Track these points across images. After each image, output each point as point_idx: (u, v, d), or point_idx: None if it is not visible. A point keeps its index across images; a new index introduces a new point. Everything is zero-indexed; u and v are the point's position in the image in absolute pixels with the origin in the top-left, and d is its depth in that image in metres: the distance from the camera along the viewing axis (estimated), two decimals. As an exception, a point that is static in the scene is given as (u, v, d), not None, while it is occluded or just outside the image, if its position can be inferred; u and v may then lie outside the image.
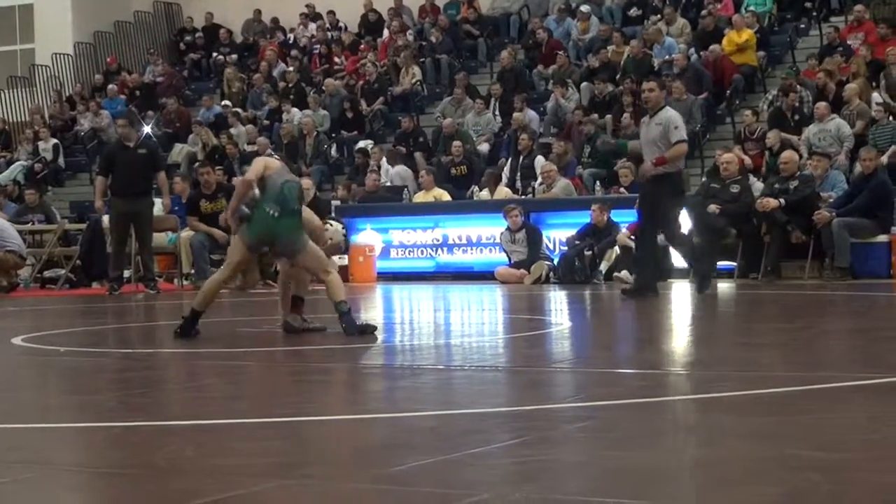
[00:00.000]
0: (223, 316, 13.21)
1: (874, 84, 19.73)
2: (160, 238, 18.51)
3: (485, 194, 19.90)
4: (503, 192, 19.73)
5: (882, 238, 16.07)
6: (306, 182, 19.26)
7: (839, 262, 15.89)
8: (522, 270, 17.57)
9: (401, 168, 21.82)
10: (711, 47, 22.07)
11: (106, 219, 17.38)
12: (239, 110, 25.73)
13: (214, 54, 29.73)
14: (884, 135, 18.13)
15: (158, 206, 17.32)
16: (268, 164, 9.35)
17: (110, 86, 28.60)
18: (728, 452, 4.39)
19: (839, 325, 10.25)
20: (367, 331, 9.02)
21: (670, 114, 13.32)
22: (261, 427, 5.14)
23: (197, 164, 21.12)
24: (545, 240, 18.14)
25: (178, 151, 24.97)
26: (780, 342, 8.62)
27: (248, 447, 4.63)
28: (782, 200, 16.11)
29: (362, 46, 27.30)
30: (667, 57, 22.38)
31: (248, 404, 6.01)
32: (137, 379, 7.06)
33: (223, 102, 26.21)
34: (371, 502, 3.71)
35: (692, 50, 22.74)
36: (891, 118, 18.61)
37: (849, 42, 21.51)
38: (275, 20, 30.13)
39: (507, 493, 3.76)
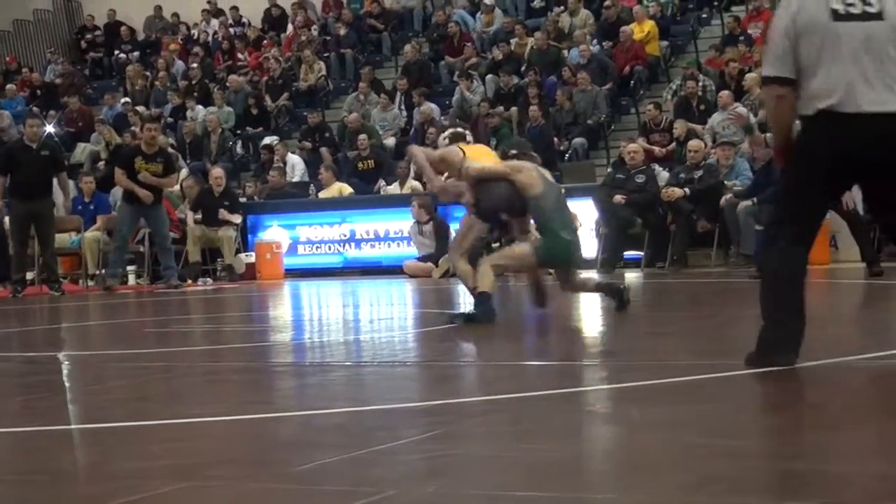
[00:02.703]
0: (130, 316, 13.11)
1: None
2: (63, 239, 18.30)
3: (393, 188, 19.88)
4: (411, 185, 19.73)
5: (787, 225, 16.24)
6: (217, 171, 19.15)
7: (744, 249, 16.06)
8: (430, 264, 17.58)
9: (296, 158, 21.85)
10: (622, 28, 22.19)
11: (7, 220, 17.15)
12: (141, 108, 25.42)
13: (116, 52, 29.43)
14: (785, 123, 18.32)
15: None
16: (520, 168, 9.57)
17: (10, 85, 28.19)
18: (635, 442, 4.42)
19: (744, 313, 10.33)
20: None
21: None
22: (166, 428, 5.09)
23: (148, 122, 19.71)
24: (453, 233, 18.12)
25: (82, 151, 24.67)
26: (686, 330, 8.70)
27: (153, 449, 4.58)
28: (687, 190, 16.27)
29: (266, 42, 27.15)
30: (578, 61, 22.22)
31: (154, 406, 5.95)
32: (41, 383, 6.96)
33: (123, 100, 25.91)
34: (276, 502, 3.69)
35: (595, 41, 22.87)
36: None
37: (749, 31, 21.73)
38: (176, 16, 29.88)
39: (415, 488, 3.75)
